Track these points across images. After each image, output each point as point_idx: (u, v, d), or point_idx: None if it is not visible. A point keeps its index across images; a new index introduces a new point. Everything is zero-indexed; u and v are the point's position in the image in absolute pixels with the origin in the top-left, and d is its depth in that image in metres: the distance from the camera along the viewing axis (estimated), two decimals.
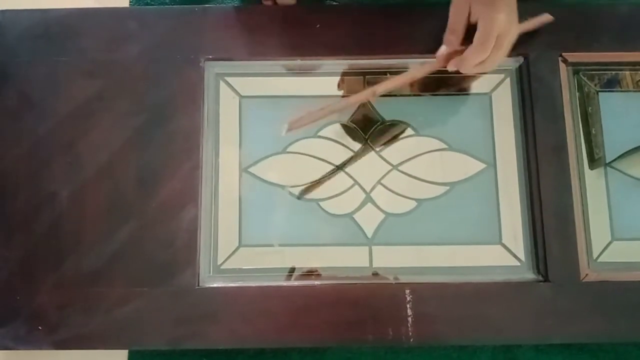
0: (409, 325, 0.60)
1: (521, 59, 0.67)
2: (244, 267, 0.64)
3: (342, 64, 0.69)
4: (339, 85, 0.69)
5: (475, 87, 0.68)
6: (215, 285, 0.62)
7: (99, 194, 0.64)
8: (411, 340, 0.59)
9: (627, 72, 0.69)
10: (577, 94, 0.67)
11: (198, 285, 0.61)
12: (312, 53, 0.68)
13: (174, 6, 0.77)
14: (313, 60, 0.68)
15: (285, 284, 0.63)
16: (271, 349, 0.66)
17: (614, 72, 0.69)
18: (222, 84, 0.69)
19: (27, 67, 0.67)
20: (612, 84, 0.69)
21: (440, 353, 0.66)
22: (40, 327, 0.61)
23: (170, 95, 0.66)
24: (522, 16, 0.61)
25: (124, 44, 0.67)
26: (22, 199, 0.64)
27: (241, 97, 0.69)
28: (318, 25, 0.68)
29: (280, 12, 0.70)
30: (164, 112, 0.66)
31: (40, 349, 0.62)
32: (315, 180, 0.67)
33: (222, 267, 0.64)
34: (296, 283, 0.63)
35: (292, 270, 0.64)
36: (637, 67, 0.68)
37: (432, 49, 0.65)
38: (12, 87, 0.66)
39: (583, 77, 0.68)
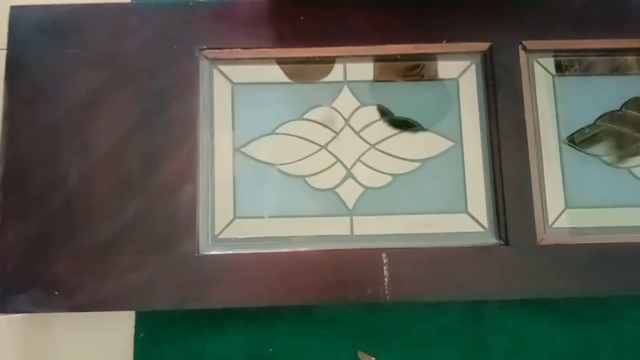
0: (385, 285, 0.66)
1: (485, 47, 0.73)
2: (238, 237, 0.70)
3: (324, 52, 0.74)
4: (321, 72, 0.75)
5: (444, 73, 0.74)
6: (213, 253, 0.68)
7: (107, 173, 0.69)
8: (387, 298, 0.66)
9: (606, 58, 0.74)
10: (535, 78, 0.73)
11: (198, 253, 0.67)
12: (297, 43, 0.73)
13: (171, 1, 0.81)
14: (298, 49, 0.73)
15: (275, 251, 0.68)
16: (264, 308, 0.72)
17: (591, 58, 0.74)
18: (215, 72, 0.74)
19: (38, 59, 0.72)
20: (590, 69, 0.74)
21: (414, 310, 0.73)
22: (57, 293, 0.66)
23: (169, 84, 0.71)
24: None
25: (125, 37, 0.72)
26: (37, 179, 0.69)
27: (233, 84, 0.74)
28: (302, 18, 0.73)
29: (268, 5, 0.74)
30: (163, 99, 0.71)
31: (58, 312, 0.68)
32: (302, 159, 0.72)
33: (219, 237, 0.70)
34: (285, 250, 0.68)
35: (282, 238, 0.70)
36: (590, 53, 0.74)
37: (410, 38, 0.71)
38: (25, 77, 0.71)
39: (541, 63, 0.74)
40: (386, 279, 0.66)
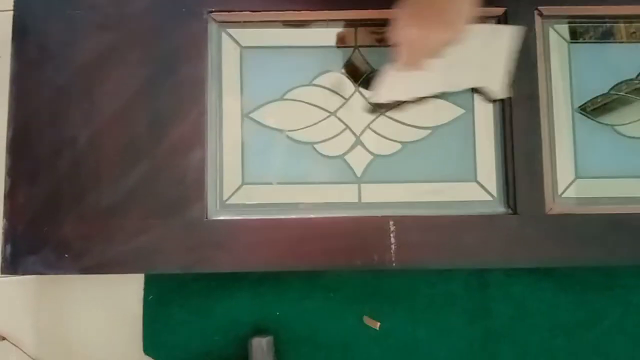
0: (392, 252, 0.66)
1: (500, 12, 0.71)
2: (246, 203, 0.70)
3: (334, 15, 0.72)
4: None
5: None
6: (221, 218, 0.68)
7: (115, 137, 0.69)
8: (394, 264, 0.66)
9: (622, 25, 0.73)
10: (549, 45, 0.72)
11: (206, 218, 0.67)
12: (307, 6, 0.71)
13: None
14: (308, 12, 0.72)
15: (283, 217, 0.69)
16: (271, 274, 0.73)
17: (608, 25, 0.73)
18: (224, 35, 0.73)
19: (45, 21, 0.71)
20: (606, 36, 0.73)
21: (420, 277, 0.74)
22: (66, 255, 0.67)
23: (177, 46, 0.70)
24: None
25: None
26: (45, 141, 0.69)
27: (242, 47, 0.73)
28: None
29: None
30: (171, 62, 0.70)
31: (67, 274, 0.68)
32: (311, 125, 0.72)
33: (227, 202, 0.70)
34: (293, 216, 0.69)
35: (290, 205, 0.70)
36: (606, 20, 0.73)
37: None
38: (32, 39, 0.70)
39: (556, 29, 0.73)
40: (393, 246, 0.67)
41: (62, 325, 0.75)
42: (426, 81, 0.69)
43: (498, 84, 0.69)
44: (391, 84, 0.68)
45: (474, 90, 0.71)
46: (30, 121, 0.69)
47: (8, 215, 0.68)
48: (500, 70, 0.69)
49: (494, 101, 0.71)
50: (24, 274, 0.68)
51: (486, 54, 0.68)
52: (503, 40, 0.68)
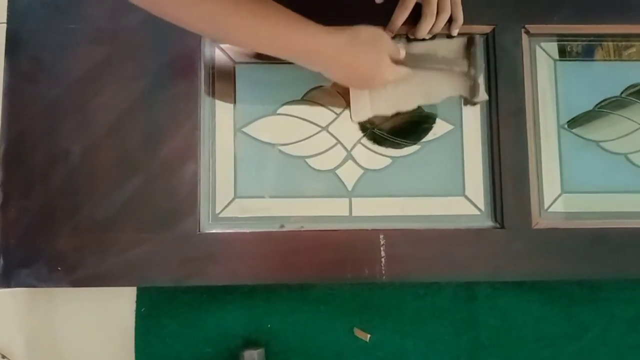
0: (382, 265, 0.68)
1: (488, 30, 0.72)
2: (239, 216, 0.71)
3: None
4: None
5: (447, 55, 0.74)
6: (214, 231, 0.69)
7: (109, 150, 0.69)
8: (384, 277, 0.67)
9: (607, 43, 0.74)
10: (536, 62, 0.73)
11: (199, 231, 0.68)
12: None
13: None
14: None
15: (275, 230, 0.69)
16: (263, 286, 0.74)
17: (593, 43, 0.75)
18: (217, 50, 0.74)
19: (39, 34, 0.71)
20: (591, 54, 0.74)
21: (409, 290, 0.75)
22: (59, 268, 0.68)
23: (171, 61, 0.71)
24: None
25: (127, 13, 0.72)
26: (39, 155, 0.69)
27: (235, 63, 0.74)
28: None
29: None
30: (165, 76, 0.71)
31: (60, 286, 0.69)
32: (302, 139, 0.73)
33: (219, 216, 0.71)
34: (285, 229, 0.70)
35: (281, 218, 0.71)
36: (592, 38, 0.75)
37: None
38: (26, 52, 0.71)
39: (543, 47, 0.74)
40: (383, 259, 0.68)
41: (54, 337, 0.76)
42: (405, 96, 0.71)
43: (474, 89, 0.71)
44: (365, 101, 0.71)
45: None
46: (23, 134, 0.70)
47: (1, 228, 0.68)
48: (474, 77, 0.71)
49: (474, 103, 0.73)
50: (16, 286, 0.68)
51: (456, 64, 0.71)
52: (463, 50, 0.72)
